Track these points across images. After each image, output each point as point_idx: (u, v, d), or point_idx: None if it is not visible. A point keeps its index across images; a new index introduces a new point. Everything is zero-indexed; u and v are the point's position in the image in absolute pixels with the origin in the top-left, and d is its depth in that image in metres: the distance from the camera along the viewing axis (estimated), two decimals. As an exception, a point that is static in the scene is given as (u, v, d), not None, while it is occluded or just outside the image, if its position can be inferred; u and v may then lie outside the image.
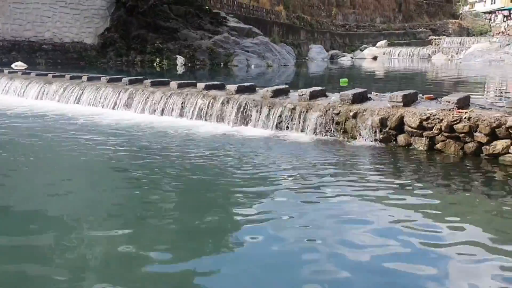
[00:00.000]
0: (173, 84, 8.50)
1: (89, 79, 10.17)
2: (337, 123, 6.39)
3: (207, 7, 24.74)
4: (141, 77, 9.72)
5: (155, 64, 20.43)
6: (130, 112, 8.47)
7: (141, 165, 5.22)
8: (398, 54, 35.30)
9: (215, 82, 8.31)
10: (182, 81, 8.67)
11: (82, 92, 9.56)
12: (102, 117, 8.17)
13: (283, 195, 4.25)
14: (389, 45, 39.35)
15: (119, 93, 8.92)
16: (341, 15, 42.18)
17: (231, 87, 7.58)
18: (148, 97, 8.42)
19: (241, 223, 3.65)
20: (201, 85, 8.07)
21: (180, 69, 19.10)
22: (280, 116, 6.73)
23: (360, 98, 6.64)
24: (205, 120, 7.45)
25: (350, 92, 6.59)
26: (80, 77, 10.45)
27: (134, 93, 8.72)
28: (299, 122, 6.58)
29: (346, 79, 10.05)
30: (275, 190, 4.39)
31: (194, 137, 6.59)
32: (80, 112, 8.70)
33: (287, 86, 7.62)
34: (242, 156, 5.57)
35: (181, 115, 7.76)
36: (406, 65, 27.95)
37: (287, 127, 6.68)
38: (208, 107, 7.47)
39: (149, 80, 9.02)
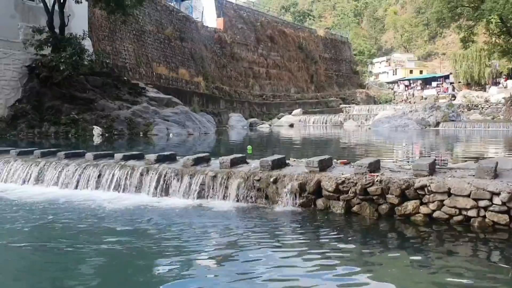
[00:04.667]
0: (89, 155, 8.20)
1: (-4, 152, 9.50)
2: (258, 189, 6.45)
3: (125, 78, 24.73)
4: (55, 149, 9.29)
5: (70, 135, 19.70)
6: (42, 187, 7.93)
7: (54, 243, 4.85)
8: (313, 122, 37.14)
9: (134, 152, 8.15)
10: (98, 152, 8.40)
11: (-13, 167, 8.85)
12: (10, 194, 7.55)
13: (207, 267, 4.13)
14: (304, 113, 41.47)
15: (29, 167, 8.40)
16: (258, 85, 44.10)
17: (151, 157, 7.46)
18: (62, 170, 8.00)
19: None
20: (118, 155, 7.86)
21: (97, 140, 18.55)
22: (201, 184, 6.69)
23: (279, 164, 6.81)
24: (123, 191, 7.19)
25: (269, 159, 6.75)
26: (-15, 151, 9.72)
27: (46, 166, 8.26)
28: (221, 190, 6.57)
29: (250, 147, 10.83)
30: (199, 262, 4.26)
31: (112, 210, 6.30)
32: (-16, 189, 8.02)
33: (207, 154, 7.65)
34: (164, 229, 5.40)
35: (97, 187, 7.43)
36: (320, 131, 29.40)
37: (209, 196, 6.63)
38: (126, 178, 7.24)
39: (63, 152, 8.63)
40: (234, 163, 6.95)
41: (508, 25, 32.33)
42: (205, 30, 39.40)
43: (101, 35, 27.13)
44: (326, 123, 36.47)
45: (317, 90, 52.92)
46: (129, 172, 7.28)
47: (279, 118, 38.30)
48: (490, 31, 34.47)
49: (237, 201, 6.42)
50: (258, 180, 6.46)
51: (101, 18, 27.02)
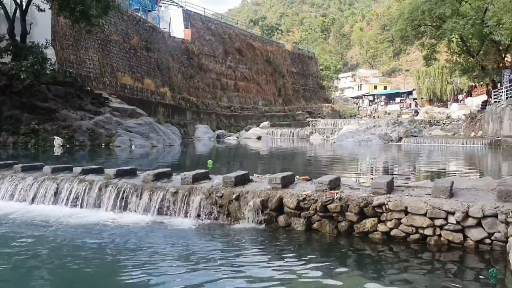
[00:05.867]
0: (47, 168, 7.98)
1: None
2: (221, 206, 6.42)
3: (88, 88, 24.30)
4: (11, 161, 9.01)
5: (29, 145, 19.15)
6: (-5, 201, 7.67)
7: (6, 260, 4.67)
8: (280, 135, 37.41)
9: (93, 166, 7.99)
10: (57, 166, 8.19)
11: None
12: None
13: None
14: (272, 125, 41.75)
15: (-18, 180, 8.10)
16: (226, 97, 44.15)
17: (110, 171, 7.33)
18: (18, 184, 7.76)
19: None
20: (77, 169, 7.69)
21: (57, 151, 18.10)
22: (162, 200, 6.61)
23: (242, 181, 6.81)
24: (82, 207, 7.02)
25: (232, 175, 6.74)
26: None
27: (1, 180, 7.99)
28: (182, 207, 6.50)
29: (211, 161, 10.44)
30: (157, 282, 4.19)
31: (69, 226, 6.13)
32: None
33: (169, 169, 7.59)
34: (121, 246, 5.29)
35: (55, 202, 7.23)
36: (287, 144, 29.64)
37: (170, 212, 6.55)
38: (84, 193, 7.08)
39: (19, 165, 8.37)
40: (197, 178, 6.90)
41: (468, 44, 33.76)
42: (172, 40, 39.25)
43: (65, 43, 26.62)
44: (293, 136, 36.80)
45: (285, 104, 53.43)
46: (88, 187, 7.12)
47: (247, 130, 38.40)
48: (452, 50, 35.92)
49: (199, 218, 6.37)
50: (221, 197, 6.44)
51: (65, 26, 26.54)
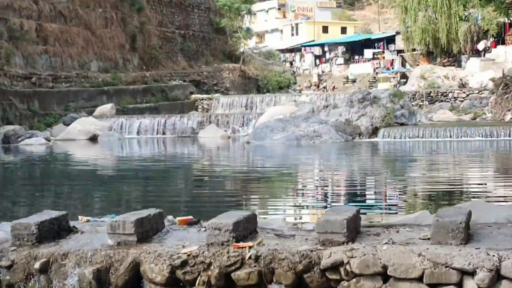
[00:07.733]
0: None
1: None
2: (10, 286, 6.29)
3: None
4: None
5: None
6: None
7: None
8: (138, 130, 37.23)
9: None
10: None
11: None
12: None
13: None
14: (120, 112, 41.34)
15: None
16: (21, 56, 43.07)
17: None
18: None
19: None
20: None
21: None
22: None
23: (55, 231, 6.70)
24: None
25: (33, 221, 6.61)
26: None
27: None
28: None
29: None
30: None
31: None
32: None
33: None
34: None
35: None
36: (152, 149, 29.63)
37: None
38: None
39: None
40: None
41: None
42: None
43: None
44: (164, 133, 36.81)
45: (145, 66, 53.38)
46: None
47: (68, 124, 37.79)
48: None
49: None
50: (9, 268, 6.29)
51: None
